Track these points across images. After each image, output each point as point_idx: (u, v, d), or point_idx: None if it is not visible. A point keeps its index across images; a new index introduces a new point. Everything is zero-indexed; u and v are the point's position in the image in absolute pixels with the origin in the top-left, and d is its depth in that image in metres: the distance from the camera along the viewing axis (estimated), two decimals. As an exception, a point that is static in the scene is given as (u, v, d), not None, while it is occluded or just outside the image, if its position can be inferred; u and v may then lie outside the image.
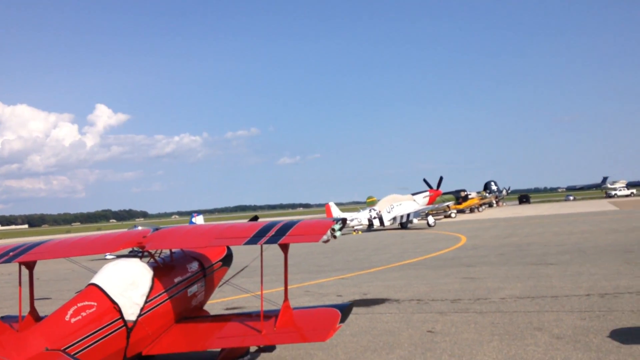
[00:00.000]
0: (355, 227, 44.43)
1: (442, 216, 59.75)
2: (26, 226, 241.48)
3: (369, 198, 56.04)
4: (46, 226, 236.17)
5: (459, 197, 66.52)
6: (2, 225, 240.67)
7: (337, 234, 6.62)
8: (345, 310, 7.11)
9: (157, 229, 7.79)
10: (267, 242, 6.47)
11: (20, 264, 7.48)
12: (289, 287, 7.23)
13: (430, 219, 44.20)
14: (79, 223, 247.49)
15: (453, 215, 60.38)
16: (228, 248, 8.95)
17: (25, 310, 7.33)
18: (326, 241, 6.47)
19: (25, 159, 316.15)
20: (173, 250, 7.97)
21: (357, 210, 48.12)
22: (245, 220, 8.90)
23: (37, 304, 7.56)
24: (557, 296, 11.55)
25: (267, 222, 7.05)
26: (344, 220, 6.96)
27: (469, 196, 69.45)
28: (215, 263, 8.55)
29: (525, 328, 9.07)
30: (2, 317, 7.99)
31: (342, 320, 6.87)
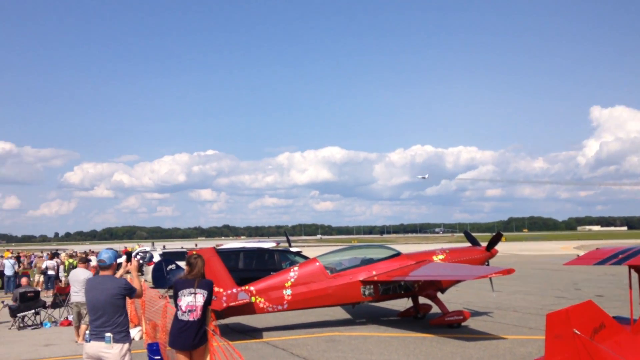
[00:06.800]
0: None
1: None
2: (625, 228, 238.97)
3: None
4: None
5: None
6: (602, 226, 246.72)
7: None
8: None
9: None
10: None
11: (630, 267, 7.54)
12: None
13: None
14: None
15: None
16: None
17: (634, 313, 7.36)
18: None
19: (623, 161, 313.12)
20: None
21: None
22: None
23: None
24: None
25: None
26: None
27: None
28: None
29: None
30: (615, 317, 8.25)
31: None
